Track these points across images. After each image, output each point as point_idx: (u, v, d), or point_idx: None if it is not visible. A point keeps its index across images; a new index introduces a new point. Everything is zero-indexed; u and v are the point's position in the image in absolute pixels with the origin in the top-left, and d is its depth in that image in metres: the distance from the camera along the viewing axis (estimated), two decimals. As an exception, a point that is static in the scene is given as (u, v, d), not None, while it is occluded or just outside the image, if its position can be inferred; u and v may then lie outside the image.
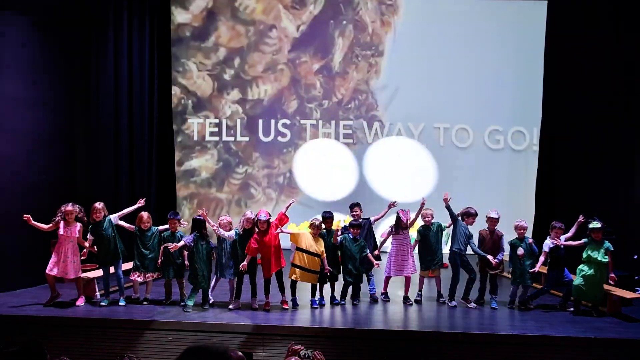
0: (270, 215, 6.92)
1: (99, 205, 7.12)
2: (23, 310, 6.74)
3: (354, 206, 7.53)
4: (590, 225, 6.89)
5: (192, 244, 6.90)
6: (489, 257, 7.13)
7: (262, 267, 6.98)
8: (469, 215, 7.30)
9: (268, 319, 6.52)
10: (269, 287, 7.00)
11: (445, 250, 7.51)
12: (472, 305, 7.22)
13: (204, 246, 6.97)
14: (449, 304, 7.24)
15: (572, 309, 7.01)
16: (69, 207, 6.99)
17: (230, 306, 6.96)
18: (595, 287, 6.80)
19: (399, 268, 7.40)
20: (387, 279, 7.54)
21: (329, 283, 7.29)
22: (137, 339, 6.23)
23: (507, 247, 7.28)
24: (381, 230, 7.88)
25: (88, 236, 7.08)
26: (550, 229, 7.28)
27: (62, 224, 6.97)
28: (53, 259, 6.97)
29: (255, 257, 6.94)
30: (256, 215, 6.94)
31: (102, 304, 7.05)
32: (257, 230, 6.89)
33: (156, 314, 6.65)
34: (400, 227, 7.36)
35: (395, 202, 7.54)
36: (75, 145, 9.10)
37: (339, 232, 7.32)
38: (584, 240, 6.96)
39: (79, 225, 7.05)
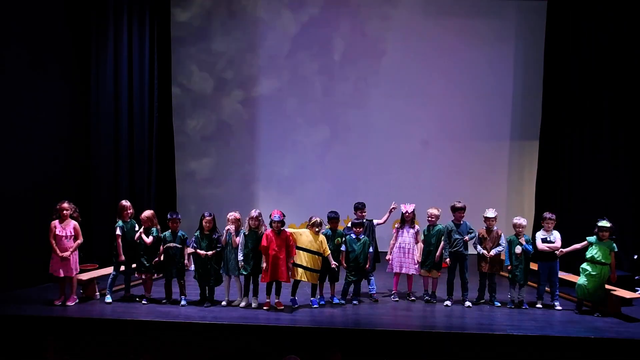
0: (284, 216, 6.93)
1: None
2: (23, 310, 6.74)
3: (358, 207, 7.55)
4: (599, 224, 6.88)
5: (195, 245, 7.03)
6: (485, 252, 7.21)
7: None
8: (456, 210, 7.32)
9: (268, 319, 6.52)
10: (271, 288, 7.02)
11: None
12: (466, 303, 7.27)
13: (205, 245, 7.05)
14: (449, 304, 7.26)
15: (558, 307, 7.07)
16: (64, 204, 7.03)
17: (242, 304, 7.03)
18: (599, 287, 6.80)
19: (398, 264, 7.48)
20: (396, 277, 7.57)
21: (329, 283, 7.32)
22: (137, 339, 6.22)
23: (506, 245, 7.30)
24: (384, 233, 7.90)
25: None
26: (541, 221, 7.35)
27: (57, 222, 7.00)
28: (53, 259, 7.00)
29: (259, 258, 6.97)
30: (270, 215, 6.94)
31: (107, 300, 7.11)
32: (271, 229, 6.91)
33: (156, 314, 6.65)
34: (404, 220, 7.44)
35: (394, 206, 7.57)
36: (75, 145, 9.08)
37: (344, 233, 7.38)
38: (587, 240, 6.96)
39: (73, 222, 7.08)
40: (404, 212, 7.44)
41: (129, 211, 7.32)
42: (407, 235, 7.47)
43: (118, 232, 7.19)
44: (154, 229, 7.29)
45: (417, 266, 7.42)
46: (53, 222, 6.99)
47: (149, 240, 7.17)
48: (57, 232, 6.97)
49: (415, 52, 11.00)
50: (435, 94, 10.98)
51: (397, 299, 7.49)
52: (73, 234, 7.05)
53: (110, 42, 9.53)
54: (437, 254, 7.29)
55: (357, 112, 11.17)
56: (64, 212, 7.00)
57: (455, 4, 10.92)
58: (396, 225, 7.57)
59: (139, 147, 9.92)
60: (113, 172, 9.59)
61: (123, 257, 7.22)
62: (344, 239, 7.29)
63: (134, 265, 7.43)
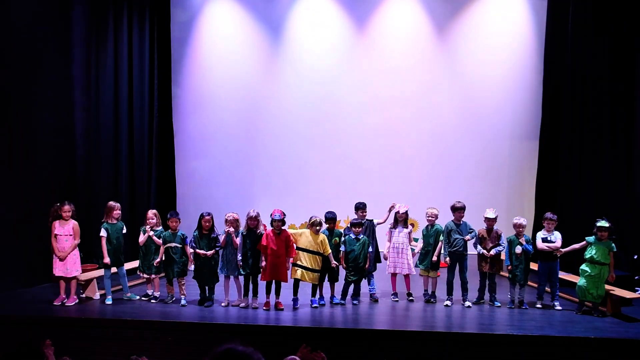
0: (284, 215, 6.93)
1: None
2: (23, 310, 6.74)
3: (358, 207, 7.55)
4: (598, 224, 6.87)
5: (194, 245, 7.06)
6: (484, 251, 7.21)
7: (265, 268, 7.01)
8: (456, 210, 7.33)
9: (268, 319, 6.52)
10: (271, 287, 7.03)
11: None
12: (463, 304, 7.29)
13: (204, 244, 7.07)
14: (449, 304, 7.26)
15: (558, 307, 7.06)
16: (65, 206, 7.05)
17: (242, 304, 7.03)
18: (598, 287, 6.80)
19: (394, 264, 7.50)
20: (393, 278, 7.58)
21: (329, 283, 7.32)
22: (138, 339, 6.23)
23: (506, 245, 7.31)
24: (384, 232, 7.90)
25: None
26: (542, 220, 7.37)
27: (57, 223, 7.00)
28: (55, 258, 7.02)
29: (258, 258, 6.98)
30: (271, 214, 6.94)
31: (108, 302, 7.11)
32: (271, 228, 6.92)
33: (157, 314, 6.66)
34: (397, 221, 7.46)
35: (394, 204, 7.58)
36: (75, 145, 9.08)
37: (343, 234, 7.38)
38: (587, 239, 6.96)
39: (72, 222, 7.09)
40: (396, 212, 7.47)
41: (117, 211, 7.31)
42: (400, 236, 7.48)
43: (102, 233, 7.19)
44: (160, 228, 7.32)
45: (410, 265, 7.43)
46: (54, 222, 7.01)
47: (160, 241, 7.23)
48: (57, 232, 7.00)
49: (415, 52, 10.98)
50: (436, 94, 10.96)
51: (397, 299, 7.49)
52: (72, 233, 7.06)
53: (110, 42, 9.54)
54: (435, 253, 7.30)
55: (357, 112, 11.14)
56: (65, 213, 7.02)
57: (455, 4, 10.91)
58: (388, 226, 7.58)
59: (139, 147, 9.94)
60: (113, 172, 9.61)
61: (108, 260, 7.18)
62: (342, 238, 7.30)
63: (130, 266, 7.44)
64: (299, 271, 6.98)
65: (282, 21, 11.17)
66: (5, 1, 7.73)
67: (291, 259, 6.99)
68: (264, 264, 6.90)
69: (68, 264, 7.02)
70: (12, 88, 7.84)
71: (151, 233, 7.20)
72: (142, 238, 7.25)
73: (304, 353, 3.38)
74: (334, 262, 7.06)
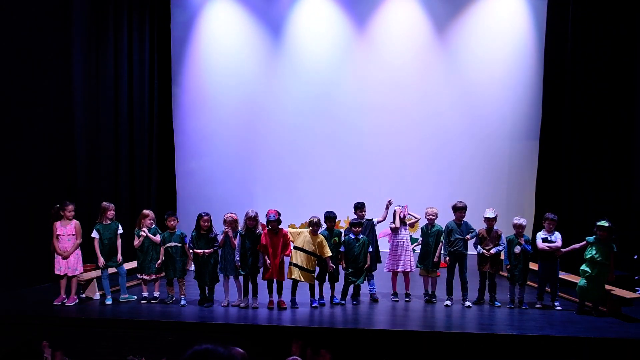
0: (279, 214, 6.93)
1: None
2: (23, 310, 6.73)
3: (357, 207, 7.55)
4: (598, 224, 6.85)
5: (192, 245, 7.06)
6: (484, 251, 7.22)
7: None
8: (457, 210, 7.34)
9: (268, 319, 6.52)
10: (272, 287, 7.03)
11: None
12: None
13: (202, 244, 7.07)
14: (449, 304, 7.26)
15: (558, 308, 7.06)
16: (69, 206, 7.06)
17: (242, 304, 7.03)
18: (598, 287, 6.80)
19: (394, 263, 7.51)
20: (393, 278, 7.57)
21: (329, 283, 7.32)
22: (138, 339, 6.22)
23: (505, 245, 7.30)
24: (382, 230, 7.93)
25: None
26: (543, 221, 7.37)
27: (58, 224, 7.01)
28: (56, 258, 7.03)
29: (257, 258, 6.99)
30: (266, 215, 6.95)
31: (108, 302, 7.13)
32: (267, 228, 6.94)
33: (157, 314, 6.66)
34: (400, 222, 7.47)
35: (391, 200, 7.59)
36: (75, 145, 9.08)
37: (344, 234, 7.38)
38: (587, 239, 6.96)
39: (74, 222, 7.10)
40: (398, 214, 7.49)
41: (111, 212, 7.29)
42: (401, 234, 7.50)
43: (94, 234, 7.19)
44: (154, 227, 7.32)
45: (411, 263, 7.45)
46: (55, 222, 7.01)
47: (158, 239, 7.22)
48: (59, 233, 7.00)
49: (415, 52, 10.98)
50: (435, 94, 10.96)
51: (397, 299, 7.49)
52: (74, 233, 7.07)
53: (110, 42, 9.54)
54: (437, 253, 7.30)
55: (357, 111, 11.14)
56: (69, 212, 7.03)
57: (455, 4, 10.91)
58: (389, 227, 7.60)
59: (139, 146, 9.95)
60: (113, 173, 9.61)
61: (103, 261, 7.18)
62: (342, 238, 7.30)
63: (129, 267, 7.44)
64: (295, 271, 6.98)
65: (282, 21, 11.18)
66: (5, 1, 7.73)
67: (288, 257, 6.99)
68: (266, 263, 6.91)
69: (70, 264, 7.03)
70: (12, 88, 7.84)
71: (146, 234, 7.20)
72: (137, 241, 7.24)
73: (309, 355, 3.37)
74: (331, 266, 7.05)
